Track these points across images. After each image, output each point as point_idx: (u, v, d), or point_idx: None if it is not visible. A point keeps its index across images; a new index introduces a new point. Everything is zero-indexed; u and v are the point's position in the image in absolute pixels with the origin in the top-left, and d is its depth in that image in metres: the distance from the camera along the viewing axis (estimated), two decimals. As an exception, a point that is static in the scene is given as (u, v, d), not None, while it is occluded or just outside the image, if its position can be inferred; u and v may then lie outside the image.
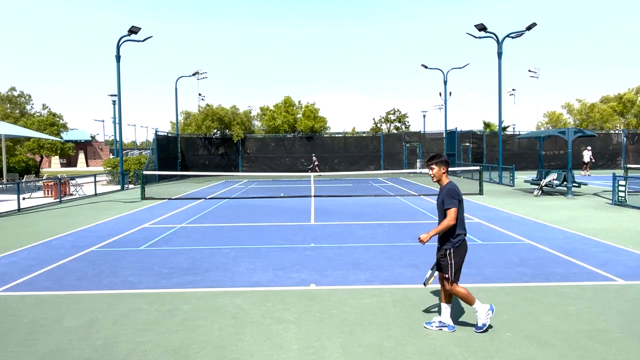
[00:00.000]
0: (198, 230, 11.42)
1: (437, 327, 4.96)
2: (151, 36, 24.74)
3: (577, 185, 18.16)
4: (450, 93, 37.89)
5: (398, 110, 53.10)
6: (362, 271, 7.31)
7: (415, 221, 12.32)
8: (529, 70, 56.93)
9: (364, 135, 40.74)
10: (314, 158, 34.41)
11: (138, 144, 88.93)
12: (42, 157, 38.53)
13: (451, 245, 4.77)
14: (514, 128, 51.83)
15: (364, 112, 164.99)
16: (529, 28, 23.59)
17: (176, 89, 39.67)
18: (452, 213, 4.70)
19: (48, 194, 19.62)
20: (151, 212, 14.66)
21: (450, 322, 4.97)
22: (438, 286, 6.58)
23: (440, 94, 46.25)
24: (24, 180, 22.72)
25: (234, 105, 37.21)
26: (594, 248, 8.78)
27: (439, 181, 4.96)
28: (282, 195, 19.43)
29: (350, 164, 36.12)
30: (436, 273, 5.05)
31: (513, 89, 67.91)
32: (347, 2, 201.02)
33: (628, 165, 26.42)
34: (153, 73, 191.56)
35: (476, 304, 4.87)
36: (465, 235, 4.86)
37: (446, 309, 4.98)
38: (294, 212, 14.32)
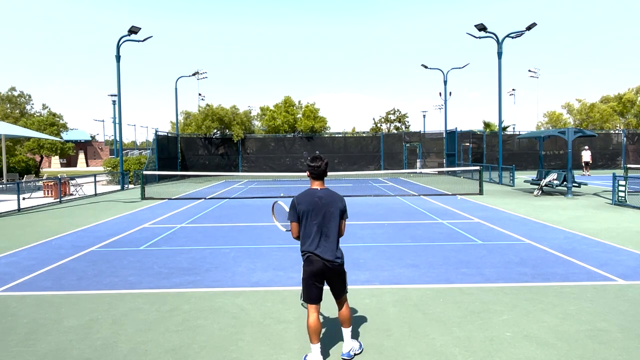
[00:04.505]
0: (198, 230, 11.41)
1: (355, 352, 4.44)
2: (151, 36, 24.76)
3: (577, 185, 18.16)
4: (450, 93, 37.95)
5: (398, 110, 53.24)
6: (362, 271, 7.31)
7: (415, 221, 12.32)
8: (529, 70, 57.01)
9: (364, 135, 40.74)
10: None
11: (138, 144, 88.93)
12: (42, 157, 38.53)
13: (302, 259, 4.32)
14: (514, 128, 51.88)
15: (364, 112, 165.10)
16: (529, 28, 23.59)
17: (176, 89, 39.71)
18: (290, 226, 4.31)
19: (48, 194, 19.61)
20: (151, 212, 14.66)
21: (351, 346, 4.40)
22: (438, 287, 6.60)
23: (440, 94, 46.31)
24: (24, 180, 22.71)
25: (234, 105, 37.25)
26: (594, 248, 8.77)
27: None
28: (282, 195, 19.43)
29: (350, 164, 36.11)
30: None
31: (513, 89, 68.03)
32: (348, 2, 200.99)
33: (628, 165, 26.42)
34: (153, 73, 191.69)
35: (312, 347, 4.25)
36: (310, 254, 4.18)
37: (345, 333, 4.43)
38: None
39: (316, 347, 4.24)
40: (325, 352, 4.46)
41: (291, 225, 4.28)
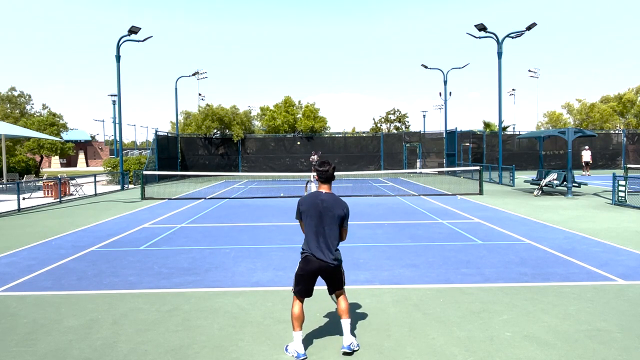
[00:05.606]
0: (198, 230, 11.42)
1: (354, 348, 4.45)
2: (151, 36, 24.75)
3: (577, 185, 18.16)
4: (450, 93, 37.93)
5: (398, 110, 53.16)
6: (362, 271, 7.31)
7: (415, 221, 12.32)
8: (529, 70, 56.97)
9: (364, 135, 40.74)
10: (315, 157, 32.61)
11: (138, 144, 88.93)
12: (42, 157, 38.53)
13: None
14: (514, 128, 51.86)
15: (364, 112, 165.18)
16: (529, 28, 23.59)
17: (176, 89, 39.72)
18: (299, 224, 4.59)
19: (48, 194, 19.61)
20: (151, 212, 14.66)
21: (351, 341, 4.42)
22: (438, 287, 6.60)
23: (440, 94, 46.29)
24: (24, 180, 22.71)
25: (234, 105, 37.25)
26: (594, 248, 8.77)
27: None
28: (282, 195, 19.43)
29: (350, 164, 36.09)
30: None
31: (513, 89, 68.05)
32: (348, 2, 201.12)
33: (628, 165, 26.42)
34: (153, 73, 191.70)
35: (294, 334, 4.38)
36: (308, 254, 4.35)
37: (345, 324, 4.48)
38: (294, 212, 14.29)
39: (298, 335, 4.37)
40: (326, 346, 4.47)
41: (299, 223, 4.60)
